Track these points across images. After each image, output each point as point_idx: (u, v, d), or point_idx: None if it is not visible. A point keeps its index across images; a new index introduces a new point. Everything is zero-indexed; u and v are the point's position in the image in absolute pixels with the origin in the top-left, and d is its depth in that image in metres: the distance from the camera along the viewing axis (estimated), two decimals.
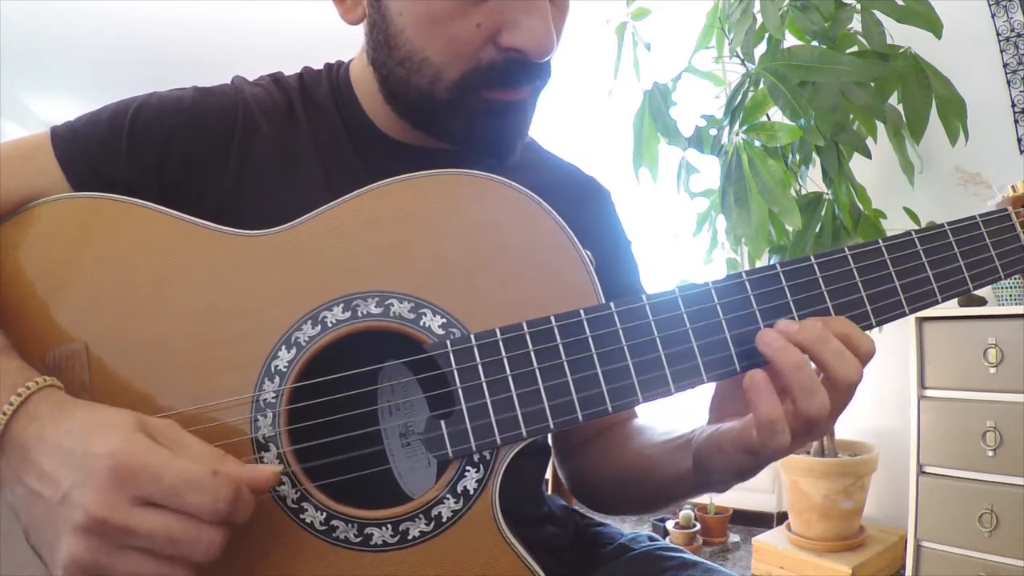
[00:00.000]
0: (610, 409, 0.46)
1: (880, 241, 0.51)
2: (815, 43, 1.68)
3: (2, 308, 0.50)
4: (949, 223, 0.53)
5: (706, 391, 0.53)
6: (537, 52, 0.53)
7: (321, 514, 0.47)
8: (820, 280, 0.50)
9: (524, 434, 0.46)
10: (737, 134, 1.71)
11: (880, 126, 1.80)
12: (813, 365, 0.46)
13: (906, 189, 1.85)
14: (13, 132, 3.44)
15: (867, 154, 1.72)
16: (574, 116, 2.57)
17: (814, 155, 1.75)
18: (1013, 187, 1.55)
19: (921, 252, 0.51)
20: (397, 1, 0.54)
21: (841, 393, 0.46)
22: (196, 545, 0.40)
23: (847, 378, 0.45)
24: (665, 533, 2.34)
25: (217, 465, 0.41)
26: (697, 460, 0.53)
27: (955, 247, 0.52)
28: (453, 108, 0.57)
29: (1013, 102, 1.94)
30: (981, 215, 0.53)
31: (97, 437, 0.41)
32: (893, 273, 0.50)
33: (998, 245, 0.53)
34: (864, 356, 0.47)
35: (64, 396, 0.45)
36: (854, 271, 0.50)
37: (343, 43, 0.92)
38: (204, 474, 0.40)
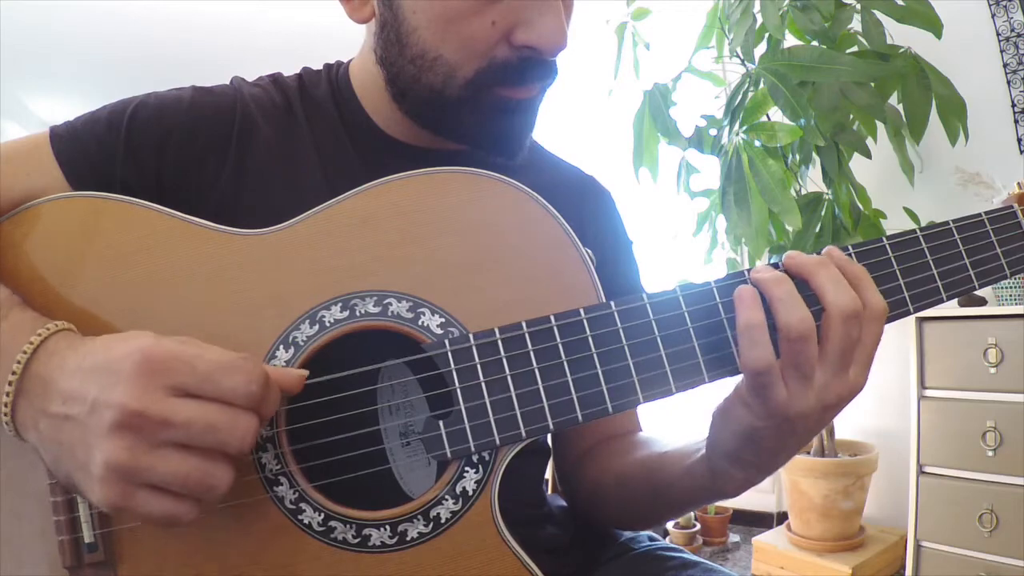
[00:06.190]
0: (610, 409, 0.46)
1: (884, 239, 0.50)
2: (815, 43, 1.68)
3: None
4: (954, 220, 0.52)
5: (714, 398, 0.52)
6: (550, 50, 0.54)
7: (319, 515, 0.46)
8: None
9: (523, 434, 0.46)
10: (737, 134, 1.71)
11: (880, 126, 1.80)
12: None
13: (906, 189, 1.85)
14: (13, 132, 3.43)
15: (867, 154, 1.72)
16: (574, 116, 2.57)
17: (814, 155, 1.75)
18: (1019, 184, 1.54)
19: (926, 250, 0.50)
20: None
21: (834, 324, 0.44)
22: (233, 431, 0.40)
23: (839, 304, 0.44)
24: (665, 533, 2.34)
25: (246, 355, 0.42)
26: (708, 443, 0.52)
27: (960, 245, 0.51)
28: (465, 106, 0.57)
29: (1013, 102, 1.94)
30: (987, 212, 0.53)
31: (121, 345, 0.41)
32: (898, 271, 0.50)
33: (1004, 243, 0.52)
34: (874, 311, 0.46)
35: (79, 335, 0.45)
36: None
37: (343, 43, 0.91)
38: (235, 358, 0.41)
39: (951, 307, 1.73)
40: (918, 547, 1.72)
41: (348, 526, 0.46)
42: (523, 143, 0.61)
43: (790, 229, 1.72)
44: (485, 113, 0.57)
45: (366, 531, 0.46)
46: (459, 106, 0.57)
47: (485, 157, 0.60)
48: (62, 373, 0.41)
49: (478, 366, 0.46)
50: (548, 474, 0.80)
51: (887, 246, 0.50)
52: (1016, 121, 1.94)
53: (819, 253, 0.48)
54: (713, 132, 1.87)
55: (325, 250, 0.49)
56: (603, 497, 0.66)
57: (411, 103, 0.59)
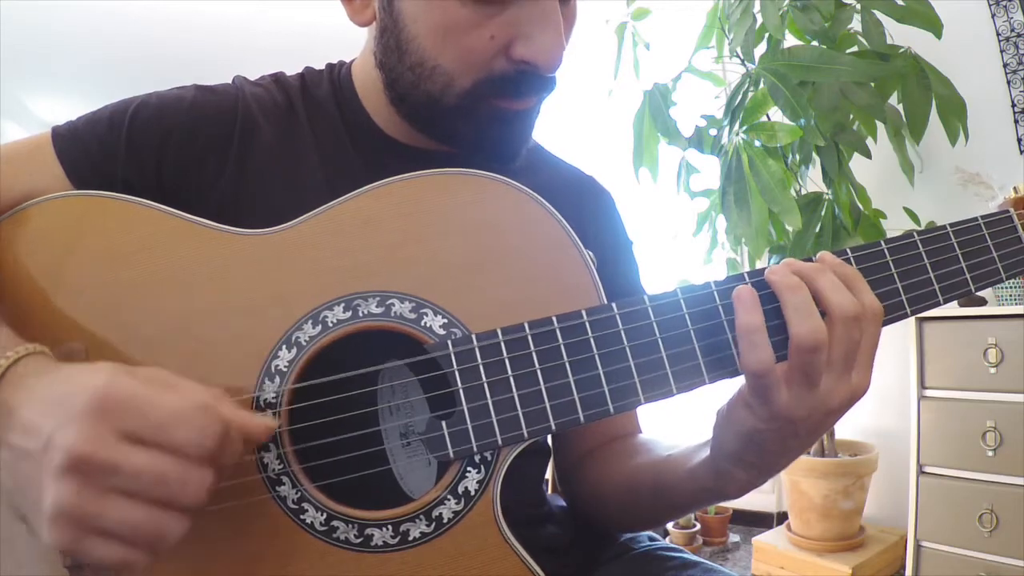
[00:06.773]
0: (611, 410, 0.46)
1: (882, 242, 0.50)
2: (815, 43, 1.68)
3: (1, 306, 0.50)
4: (951, 224, 0.52)
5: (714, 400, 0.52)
6: (548, 66, 0.54)
7: (321, 514, 0.47)
8: None
9: (525, 435, 0.46)
10: (737, 134, 1.71)
11: (880, 126, 1.80)
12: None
13: (906, 189, 1.85)
14: (13, 132, 3.44)
15: (867, 154, 1.72)
16: (574, 116, 2.57)
17: (814, 155, 1.75)
18: (1015, 188, 1.55)
19: (923, 253, 0.51)
20: (411, 7, 0.54)
21: (837, 327, 0.45)
22: (185, 485, 0.38)
23: (840, 307, 0.45)
24: (665, 533, 2.34)
25: (207, 402, 0.40)
26: (712, 443, 0.52)
27: (957, 248, 0.52)
28: (461, 114, 0.57)
29: (1013, 102, 1.94)
30: (983, 216, 0.53)
31: (82, 379, 0.39)
32: (895, 274, 0.50)
33: (1000, 247, 0.53)
34: (872, 312, 0.46)
35: (52, 360, 0.43)
36: None
37: (345, 43, 0.92)
38: (191, 408, 0.38)
39: (951, 307, 1.73)
40: (918, 547, 1.73)
41: (350, 526, 0.47)
42: (519, 149, 0.61)
43: (790, 229, 1.72)
44: (482, 122, 0.58)
45: (368, 531, 0.47)
46: (456, 114, 0.57)
47: (483, 160, 0.60)
48: (25, 402, 0.40)
49: (480, 367, 0.46)
50: (548, 474, 0.80)
51: (885, 250, 0.50)
52: (1016, 121, 1.94)
53: (811, 259, 0.49)
54: (713, 132, 1.87)
55: (328, 250, 0.49)
56: (604, 499, 0.66)
57: (409, 108, 0.59)
